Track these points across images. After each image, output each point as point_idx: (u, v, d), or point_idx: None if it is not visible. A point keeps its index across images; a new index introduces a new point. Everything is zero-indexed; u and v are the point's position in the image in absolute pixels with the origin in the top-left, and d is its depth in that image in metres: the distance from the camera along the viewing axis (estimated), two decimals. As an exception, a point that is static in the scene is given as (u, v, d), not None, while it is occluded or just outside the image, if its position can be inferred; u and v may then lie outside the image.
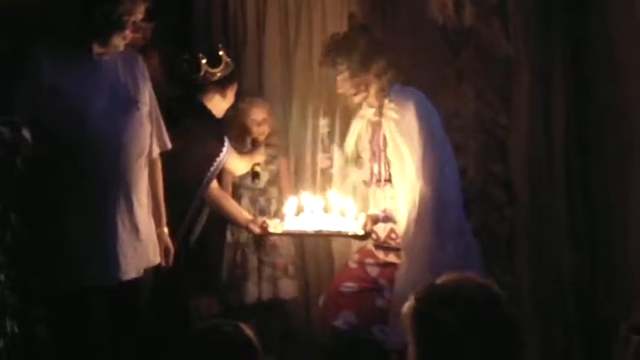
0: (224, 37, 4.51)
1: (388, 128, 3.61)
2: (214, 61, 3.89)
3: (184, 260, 3.85)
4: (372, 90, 3.64)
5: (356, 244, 3.81)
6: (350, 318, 3.70)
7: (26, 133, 2.87)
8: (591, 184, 4.20)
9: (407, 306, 2.14)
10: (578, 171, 4.21)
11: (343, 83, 3.66)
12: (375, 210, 3.69)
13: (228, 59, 3.94)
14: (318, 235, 3.75)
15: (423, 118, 3.55)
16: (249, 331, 2.27)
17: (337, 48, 3.64)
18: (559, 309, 4.17)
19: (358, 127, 3.84)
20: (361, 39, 3.66)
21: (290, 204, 3.75)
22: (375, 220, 3.66)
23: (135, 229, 3.34)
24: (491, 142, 4.22)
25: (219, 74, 3.90)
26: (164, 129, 3.52)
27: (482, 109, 4.20)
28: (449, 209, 3.56)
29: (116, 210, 3.27)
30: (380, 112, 3.66)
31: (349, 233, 3.62)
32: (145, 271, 3.46)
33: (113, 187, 3.26)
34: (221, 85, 3.93)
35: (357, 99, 3.68)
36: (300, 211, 3.70)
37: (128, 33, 3.26)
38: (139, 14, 3.26)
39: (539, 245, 4.20)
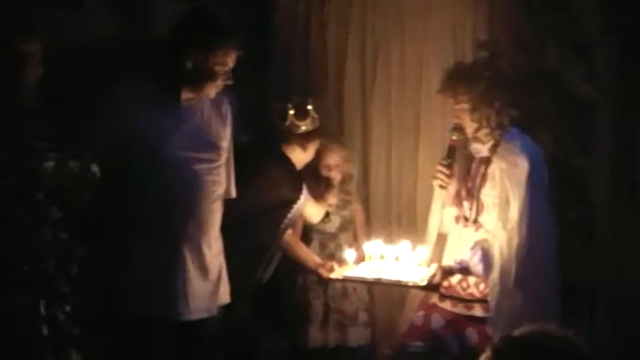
0: (305, 83, 4.57)
1: (498, 169, 3.52)
2: (301, 114, 3.96)
3: (255, 301, 3.92)
4: (492, 125, 3.53)
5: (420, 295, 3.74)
6: None
7: (95, 168, 2.94)
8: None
9: (484, 357, 2.10)
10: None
11: (462, 114, 3.54)
12: (449, 261, 3.62)
13: (316, 115, 3.99)
14: (378, 284, 3.71)
15: (536, 172, 3.49)
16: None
17: (460, 76, 3.54)
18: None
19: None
20: (488, 70, 3.58)
21: (363, 249, 3.74)
22: (449, 272, 3.59)
23: (204, 269, 3.36)
24: (571, 190, 4.11)
25: (303, 127, 3.96)
26: (233, 177, 3.54)
27: (560, 155, 4.10)
28: (549, 263, 3.52)
29: (186, 250, 3.29)
30: (493, 150, 3.56)
31: (409, 284, 3.54)
32: (217, 309, 3.47)
33: (186, 228, 3.29)
34: (304, 138, 3.99)
35: (473, 132, 3.55)
36: (367, 258, 3.69)
37: (220, 82, 3.29)
38: (231, 63, 3.27)
39: (622, 301, 4.05)
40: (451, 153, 3.62)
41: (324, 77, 4.59)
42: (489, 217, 3.55)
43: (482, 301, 3.55)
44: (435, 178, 3.63)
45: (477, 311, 3.57)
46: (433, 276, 3.53)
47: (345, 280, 3.80)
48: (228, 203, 3.52)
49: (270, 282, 4.05)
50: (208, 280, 3.38)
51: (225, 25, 3.27)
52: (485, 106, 3.49)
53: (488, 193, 3.55)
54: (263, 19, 4.63)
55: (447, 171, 3.59)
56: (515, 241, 3.44)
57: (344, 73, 4.56)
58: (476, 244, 3.56)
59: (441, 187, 3.63)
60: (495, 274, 3.47)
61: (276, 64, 4.67)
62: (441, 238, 3.77)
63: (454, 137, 3.61)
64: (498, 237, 3.48)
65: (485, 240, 3.54)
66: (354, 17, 4.53)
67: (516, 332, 2.11)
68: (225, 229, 3.49)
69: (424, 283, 3.49)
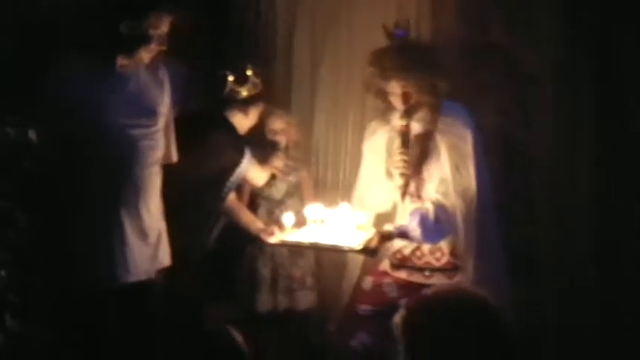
0: (255, 51, 4.60)
1: (444, 144, 3.56)
2: (241, 80, 3.99)
3: (201, 266, 3.96)
4: (432, 100, 3.56)
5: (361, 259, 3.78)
6: (365, 339, 3.67)
7: (32, 135, 2.97)
8: (617, 203, 4.12)
9: (398, 315, 2.17)
10: (604, 189, 4.13)
11: (411, 97, 3.54)
12: (389, 226, 3.63)
13: (257, 80, 4.02)
14: (314, 248, 3.73)
15: (477, 140, 3.55)
16: (238, 337, 2.31)
17: (408, 57, 3.54)
18: (584, 330, 4.11)
19: (385, 140, 3.74)
20: (420, 46, 3.65)
21: (302, 213, 3.75)
22: (388, 236, 3.59)
23: (143, 233, 3.42)
24: (513, 158, 4.18)
25: (244, 93, 3.99)
26: (173, 142, 3.60)
27: (503, 124, 4.16)
28: (495, 224, 3.62)
29: (124, 214, 3.36)
30: (431, 125, 3.59)
31: (344, 248, 3.51)
32: (157, 273, 3.53)
33: (123, 192, 3.35)
34: (244, 104, 4.02)
35: (423, 111, 3.58)
36: (306, 222, 3.69)
37: (154, 46, 3.33)
38: (165, 27, 3.33)
39: (561, 265, 4.15)
40: (406, 140, 3.59)
41: (274, 45, 4.61)
42: (431, 187, 3.59)
43: (444, 270, 3.62)
44: (397, 167, 3.59)
45: (436, 280, 3.60)
46: (370, 240, 3.50)
47: (283, 245, 3.79)
48: (171, 169, 3.56)
49: (220, 249, 4.09)
50: (147, 243, 3.44)
51: None
52: (430, 82, 3.52)
53: (430, 168, 3.59)
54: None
55: (407, 158, 3.57)
56: (473, 208, 3.51)
57: (293, 42, 4.59)
58: (415, 209, 3.58)
59: (403, 175, 3.58)
60: (461, 242, 3.55)
61: (229, 34, 4.69)
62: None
63: (404, 124, 3.59)
64: (458, 207, 3.52)
65: (425, 208, 3.56)
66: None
67: (430, 291, 2.20)
68: (169, 195, 3.54)
69: (360, 247, 3.46)
